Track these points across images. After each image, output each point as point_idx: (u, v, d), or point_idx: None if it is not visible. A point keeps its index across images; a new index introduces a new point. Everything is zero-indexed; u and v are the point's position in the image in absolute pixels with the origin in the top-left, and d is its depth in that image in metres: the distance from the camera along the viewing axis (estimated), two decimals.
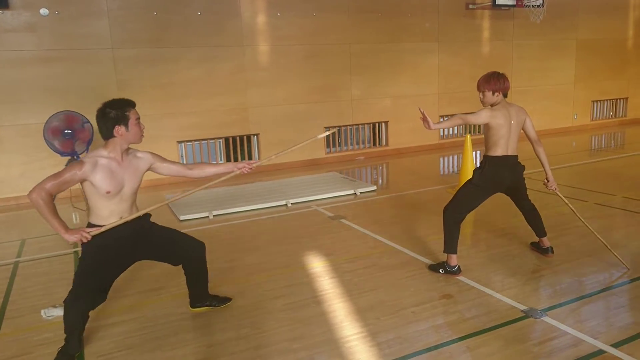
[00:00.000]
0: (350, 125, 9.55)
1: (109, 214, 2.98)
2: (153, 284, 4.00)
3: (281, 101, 8.81)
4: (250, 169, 3.28)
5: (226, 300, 3.61)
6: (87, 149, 6.38)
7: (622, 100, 12.73)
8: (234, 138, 8.70)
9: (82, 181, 2.91)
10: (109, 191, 2.92)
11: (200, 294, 3.49)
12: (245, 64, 8.44)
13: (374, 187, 6.96)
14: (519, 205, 4.22)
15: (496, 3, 9.72)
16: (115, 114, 2.91)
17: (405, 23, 9.60)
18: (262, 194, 6.73)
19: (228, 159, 8.69)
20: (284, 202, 6.31)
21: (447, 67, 10.14)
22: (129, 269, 3.19)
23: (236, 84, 8.42)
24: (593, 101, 12.25)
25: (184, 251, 3.30)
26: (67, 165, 6.27)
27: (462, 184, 4.22)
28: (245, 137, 8.80)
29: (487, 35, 10.52)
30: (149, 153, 3.21)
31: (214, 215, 5.93)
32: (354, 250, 4.60)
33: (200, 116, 8.16)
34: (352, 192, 6.74)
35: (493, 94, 3.81)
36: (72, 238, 2.85)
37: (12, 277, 4.37)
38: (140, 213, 3.11)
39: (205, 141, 8.55)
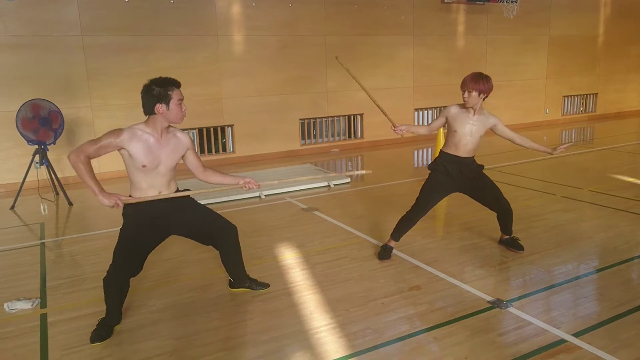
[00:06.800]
0: (325, 117, 9.54)
1: (148, 187, 3.08)
2: None
3: (256, 92, 8.74)
4: (257, 185, 3.35)
5: (265, 285, 3.66)
6: (54, 142, 6.22)
7: (591, 95, 13.01)
8: (207, 129, 8.61)
9: (119, 149, 3.00)
10: (145, 165, 3.00)
11: (238, 275, 3.57)
12: (220, 54, 8.34)
13: (348, 180, 6.99)
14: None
15: None
16: (159, 91, 2.96)
17: (381, 16, 9.61)
18: None
19: (202, 151, 8.60)
20: (257, 194, 6.29)
21: (422, 61, 10.20)
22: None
23: (210, 74, 8.31)
24: (564, 96, 12.50)
25: (217, 232, 3.35)
26: (33, 155, 6.12)
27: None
28: (219, 128, 8.71)
29: (461, 29, 10.61)
30: (188, 138, 3.26)
31: None
32: (326, 242, 4.61)
33: None
34: (326, 184, 6.75)
35: (479, 94, 3.74)
36: (106, 201, 2.93)
37: None
38: (184, 194, 3.22)
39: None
